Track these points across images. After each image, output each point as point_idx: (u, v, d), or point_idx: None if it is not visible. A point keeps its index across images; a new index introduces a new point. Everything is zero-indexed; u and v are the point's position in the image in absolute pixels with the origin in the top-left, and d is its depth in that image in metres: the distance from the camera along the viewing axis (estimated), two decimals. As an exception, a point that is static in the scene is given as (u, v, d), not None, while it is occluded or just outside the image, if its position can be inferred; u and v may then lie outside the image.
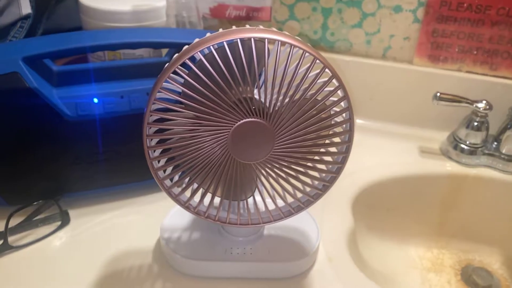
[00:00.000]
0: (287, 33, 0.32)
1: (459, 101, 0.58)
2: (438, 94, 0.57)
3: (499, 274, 0.59)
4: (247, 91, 0.33)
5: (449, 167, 0.60)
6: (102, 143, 0.45)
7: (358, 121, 0.67)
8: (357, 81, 0.65)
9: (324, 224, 0.47)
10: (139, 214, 0.48)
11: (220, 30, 0.32)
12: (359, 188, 0.55)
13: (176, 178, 0.35)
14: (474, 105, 0.57)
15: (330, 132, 0.34)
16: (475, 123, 0.59)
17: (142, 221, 0.47)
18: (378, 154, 0.62)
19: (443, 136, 0.63)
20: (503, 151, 0.58)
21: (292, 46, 0.31)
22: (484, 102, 0.57)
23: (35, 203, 0.45)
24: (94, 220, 0.47)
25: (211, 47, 0.31)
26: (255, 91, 0.33)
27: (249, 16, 0.66)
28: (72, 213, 0.47)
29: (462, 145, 0.60)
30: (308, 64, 0.33)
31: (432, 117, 0.65)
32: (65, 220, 0.46)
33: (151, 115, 0.33)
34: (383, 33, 0.64)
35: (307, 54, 0.32)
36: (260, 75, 0.35)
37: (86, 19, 0.58)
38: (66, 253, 0.43)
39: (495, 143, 0.60)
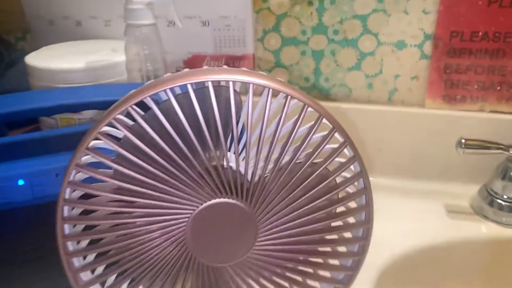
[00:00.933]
0: (280, 79, 0.23)
1: (489, 148, 0.47)
2: (463, 141, 0.47)
3: None
4: (217, 157, 0.23)
5: (485, 229, 0.49)
6: (30, 239, 0.33)
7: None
8: (361, 131, 0.55)
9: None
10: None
11: (168, 74, 0.22)
12: (383, 265, 0.43)
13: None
14: (511, 151, 0.46)
15: (341, 209, 0.23)
16: (513, 173, 0.48)
17: None
18: (397, 218, 0.50)
19: (471, 190, 0.52)
20: (552, 205, 0.47)
21: (289, 97, 0.21)
22: (521, 146, 0.46)
23: None
24: None
25: (167, 91, 0.21)
26: (229, 156, 0.22)
27: (230, 67, 0.57)
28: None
29: (499, 201, 0.49)
30: (311, 122, 0.22)
31: (456, 167, 0.54)
32: None
33: (73, 189, 0.22)
34: (386, 74, 0.54)
35: (298, 103, 0.22)
36: (240, 133, 0.24)
37: (33, 82, 0.49)
38: None
39: (540, 195, 0.48)
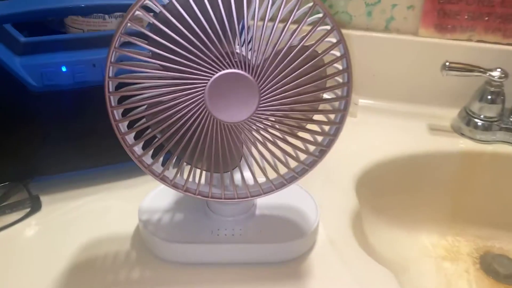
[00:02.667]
0: None
1: (471, 70, 0.53)
2: (448, 64, 0.52)
3: (522, 261, 0.54)
4: (226, 45, 0.28)
5: (462, 144, 0.55)
6: (74, 119, 0.40)
7: (361, 101, 0.62)
8: (358, 56, 0.60)
9: (325, 204, 0.42)
10: (116, 199, 0.43)
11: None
12: (364, 168, 0.50)
13: (147, 143, 0.30)
14: (488, 74, 0.52)
15: (326, 86, 0.29)
16: (490, 95, 0.53)
17: (119, 207, 0.42)
18: (385, 133, 0.57)
19: (454, 113, 0.58)
20: (522, 125, 0.53)
21: None
22: (499, 70, 0.52)
23: (0, 185, 0.40)
24: (67, 206, 0.42)
25: None
26: (236, 43, 0.28)
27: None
28: (43, 198, 0.42)
29: (476, 120, 0.55)
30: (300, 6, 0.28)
31: (441, 92, 0.60)
32: (35, 206, 0.41)
33: (111, 81, 0.28)
34: (384, 3, 0.59)
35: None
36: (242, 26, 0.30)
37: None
38: (36, 241, 0.38)
39: (512, 116, 0.54)
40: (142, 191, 0.42)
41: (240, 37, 0.28)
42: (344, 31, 0.60)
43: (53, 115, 0.40)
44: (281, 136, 0.31)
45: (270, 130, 0.30)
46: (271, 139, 0.30)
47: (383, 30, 0.61)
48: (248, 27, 0.28)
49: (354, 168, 0.50)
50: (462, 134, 0.56)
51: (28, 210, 0.41)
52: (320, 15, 0.28)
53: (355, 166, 0.50)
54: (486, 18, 0.56)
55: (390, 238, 0.53)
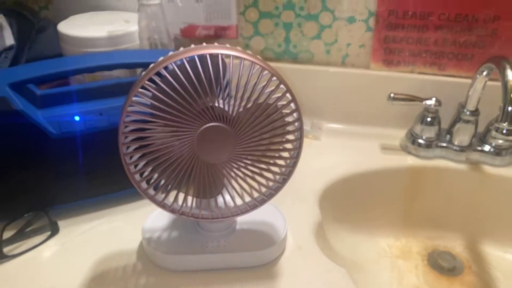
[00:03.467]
0: (239, 48, 0.38)
1: (412, 100, 0.63)
2: (392, 95, 0.63)
3: (462, 256, 0.65)
4: (210, 100, 0.38)
5: (410, 160, 0.66)
6: (84, 157, 0.49)
7: (325, 125, 0.73)
8: (320, 88, 0.71)
9: (292, 218, 0.52)
10: (122, 220, 0.52)
11: (181, 48, 0.37)
12: (325, 184, 0.60)
13: (151, 179, 0.40)
14: (424, 103, 0.63)
15: (284, 131, 0.39)
16: (428, 119, 0.64)
17: (125, 227, 0.51)
18: (343, 153, 0.67)
19: (402, 134, 0.69)
20: (455, 143, 0.64)
21: (242, 59, 0.37)
22: (434, 99, 0.63)
23: (25, 215, 0.49)
24: (81, 228, 0.51)
25: (172, 64, 0.36)
26: (218, 100, 0.38)
27: (218, 35, 0.72)
28: (60, 223, 0.51)
29: (419, 140, 0.65)
30: (262, 78, 0.38)
31: (390, 116, 0.71)
32: (54, 230, 0.50)
33: (125, 126, 0.37)
34: (340, 43, 0.70)
35: (258, 66, 0.37)
36: (225, 86, 0.39)
37: (65, 46, 0.63)
38: (56, 259, 0.47)
39: (448, 136, 0.65)
40: (142, 213, 0.51)
41: (220, 94, 0.38)
42: (307, 66, 0.70)
43: (68, 155, 0.49)
44: (257, 171, 0.41)
45: (245, 167, 0.40)
46: (246, 173, 0.40)
47: (340, 65, 0.72)
48: (226, 88, 0.38)
49: (317, 185, 0.60)
50: (409, 152, 0.67)
51: (48, 233, 0.49)
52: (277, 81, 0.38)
53: (318, 183, 0.60)
54: (424, 55, 0.67)
55: (351, 242, 0.64)
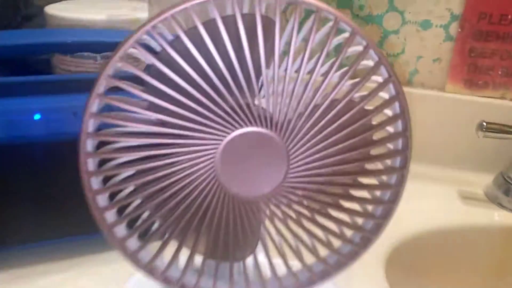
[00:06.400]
0: None
1: (511, 132, 0.46)
2: (485, 124, 0.46)
3: None
4: (248, 94, 0.21)
5: (499, 216, 0.48)
6: (42, 178, 0.32)
7: (380, 161, 0.55)
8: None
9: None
10: (89, 279, 0.34)
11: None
12: (392, 245, 0.42)
13: (133, 221, 0.22)
14: (532, 137, 0.45)
15: (377, 153, 0.22)
16: (532, 160, 0.47)
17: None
18: (411, 201, 0.49)
19: (486, 178, 0.51)
20: None
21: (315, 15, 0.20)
22: (543, 133, 0.45)
23: None
24: (32, 286, 0.33)
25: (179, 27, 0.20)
26: (259, 94, 0.21)
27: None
28: (2, 276, 0.33)
29: (516, 189, 0.48)
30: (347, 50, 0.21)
31: (472, 154, 0.54)
32: (-14, 287, 0.32)
33: (89, 139, 0.21)
34: (408, 54, 0.54)
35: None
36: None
37: (51, 32, 0.48)
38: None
39: (558, 185, 0.47)
40: (120, 269, 0.33)
41: (261, 86, 0.22)
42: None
43: (17, 173, 0.32)
44: (310, 216, 0.23)
45: (299, 209, 0.22)
46: (302, 220, 0.23)
47: (406, 83, 0.55)
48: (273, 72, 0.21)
49: (382, 246, 0.42)
50: (500, 205, 0.49)
51: (-24, 292, 0.32)
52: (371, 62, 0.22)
53: (384, 243, 0.42)
54: (523, 75, 0.50)
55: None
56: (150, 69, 0.22)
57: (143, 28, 0.20)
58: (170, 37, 0.21)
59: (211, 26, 0.21)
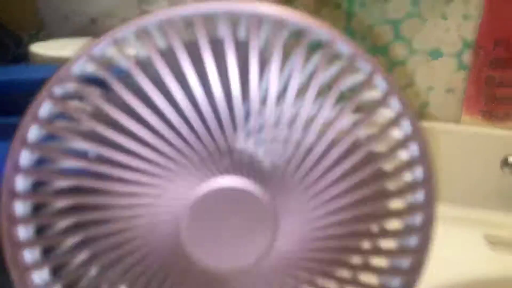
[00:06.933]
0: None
1: (540, 169, 0.41)
2: (511, 159, 0.41)
3: None
4: (225, 137, 0.17)
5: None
6: None
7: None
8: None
9: None
10: None
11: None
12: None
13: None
14: None
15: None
16: None
17: None
18: (434, 248, 0.44)
19: (514, 220, 0.46)
20: None
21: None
22: None
23: None
24: None
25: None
26: (242, 136, 0.17)
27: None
28: None
29: (550, 233, 0.42)
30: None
31: (494, 193, 0.48)
32: None
33: (21, 177, 0.17)
34: (418, 86, 0.49)
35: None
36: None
37: (34, 72, 0.45)
38: None
39: None
40: None
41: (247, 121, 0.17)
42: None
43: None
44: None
45: (289, 280, 0.18)
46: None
47: (418, 117, 0.51)
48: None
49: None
50: (533, 250, 0.43)
51: None
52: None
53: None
54: (547, 105, 0.46)
55: None
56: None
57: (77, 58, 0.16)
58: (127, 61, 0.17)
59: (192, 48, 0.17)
